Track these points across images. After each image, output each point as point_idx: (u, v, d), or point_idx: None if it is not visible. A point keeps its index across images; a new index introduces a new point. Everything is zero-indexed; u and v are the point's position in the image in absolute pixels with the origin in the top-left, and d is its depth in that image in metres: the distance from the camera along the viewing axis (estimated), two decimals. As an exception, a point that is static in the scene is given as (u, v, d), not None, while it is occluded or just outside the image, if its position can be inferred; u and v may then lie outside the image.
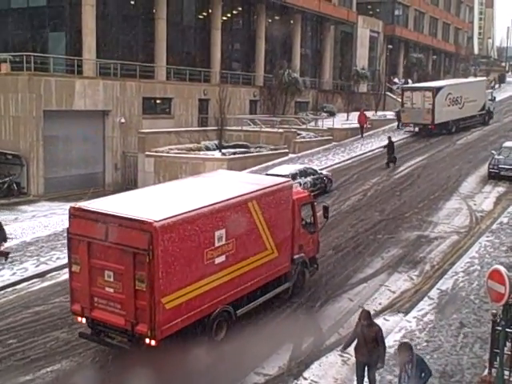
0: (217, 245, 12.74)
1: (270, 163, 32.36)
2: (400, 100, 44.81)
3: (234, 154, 33.11)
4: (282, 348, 13.24)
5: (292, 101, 46.99)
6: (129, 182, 33.88)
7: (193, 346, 12.05)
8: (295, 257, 15.64)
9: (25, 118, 30.27)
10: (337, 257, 19.00)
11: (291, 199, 15.31)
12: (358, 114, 43.46)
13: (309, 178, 26.09)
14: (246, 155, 33.54)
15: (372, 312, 14.75)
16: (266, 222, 14.20)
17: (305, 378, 12.03)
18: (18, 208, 28.39)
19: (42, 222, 24.24)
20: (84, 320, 12.52)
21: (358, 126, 43.48)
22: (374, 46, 63.80)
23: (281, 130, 37.88)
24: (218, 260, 12.81)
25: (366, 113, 43.85)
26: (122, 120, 34.28)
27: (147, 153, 32.69)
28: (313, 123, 44.35)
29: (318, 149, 37.55)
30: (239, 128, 38.08)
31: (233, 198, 13.37)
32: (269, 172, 26.53)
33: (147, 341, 11.51)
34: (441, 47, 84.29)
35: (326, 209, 17.33)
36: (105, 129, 34.25)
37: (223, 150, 33.54)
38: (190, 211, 12.13)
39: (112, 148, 34.40)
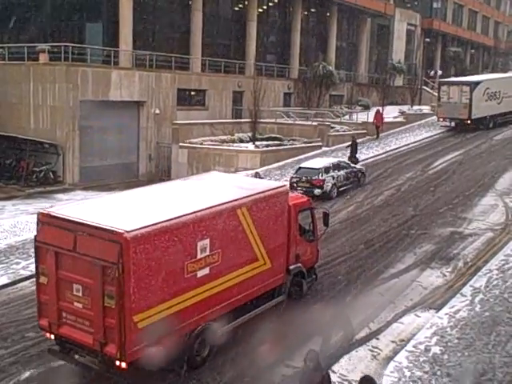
0: (199, 256, 11.63)
1: (302, 156, 32.29)
2: (436, 94, 44.18)
3: (267, 146, 33.09)
4: (311, 341, 13.20)
5: (326, 94, 46.75)
6: (162, 173, 34.17)
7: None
8: (291, 267, 14.57)
9: (62, 107, 30.72)
10: (368, 251, 18.86)
11: (287, 205, 14.18)
12: (381, 111, 40.75)
13: (342, 172, 25.96)
14: (279, 148, 33.49)
15: (403, 308, 14.73)
16: (258, 231, 13.10)
17: (334, 372, 11.98)
18: (53, 196, 28.89)
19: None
20: (52, 336, 11.45)
21: (392, 120, 43.03)
22: (411, 40, 62.98)
23: (314, 123, 37.73)
24: (200, 273, 11.70)
25: (383, 112, 40.95)
26: (157, 111, 34.54)
27: (181, 144, 32.91)
28: (347, 117, 44.04)
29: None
30: (273, 120, 38.02)
31: (219, 204, 12.21)
32: (301, 165, 26.53)
33: (117, 363, 10.46)
34: (479, 41, 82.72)
35: (326, 215, 16.15)
36: (139, 119, 34.55)
37: (256, 143, 33.55)
38: (168, 220, 10.99)
39: (146, 138, 34.71)
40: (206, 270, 11.84)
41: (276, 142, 34.53)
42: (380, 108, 42.02)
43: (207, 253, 11.79)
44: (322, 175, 24.89)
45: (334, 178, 25.27)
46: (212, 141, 33.63)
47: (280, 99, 44.18)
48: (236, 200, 12.67)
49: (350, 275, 16.91)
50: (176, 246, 11.06)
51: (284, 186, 14.82)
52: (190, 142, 32.93)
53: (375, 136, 38.75)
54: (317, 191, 24.61)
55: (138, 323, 10.46)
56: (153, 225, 10.68)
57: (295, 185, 25.10)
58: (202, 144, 32.77)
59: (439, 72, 62.47)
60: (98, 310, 10.49)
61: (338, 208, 23.88)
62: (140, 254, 10.36)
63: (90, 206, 12.45)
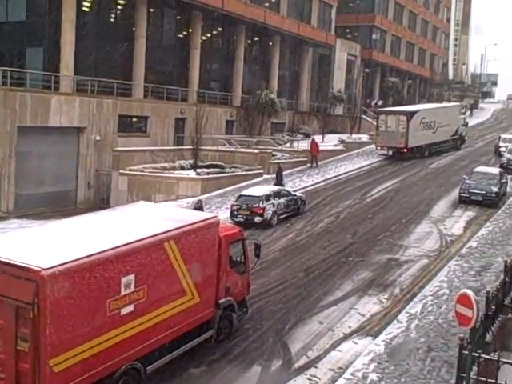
0: (123, 293, 11.07)
1: (244, 184, 32.43)
2: (375, 123, 45.36)
3: (209, 173, 33.12)
4: (249, 371, 13.21)
5: (268, 122, 47.31)
6: (102, 201, 33.64)
7: None
8: (221, 301, 14.16)
9: (-2, 133, 29.98)
10: (308, 279, 19.03)
11: (217, 237, 13.78)
12: (318, 139, 41.36)
13: (282, 200, 26.20)
14: (220, 175, 33.55)
15: (341, 335, 14.92)
16: (186, 265, 12.68)
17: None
18: (-14, 225, 28.00)
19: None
20: None
21: (332, 148, 43.86)
22: (351, 69, 64.60)
23: (256, 151, 38.04)
24: (124, 310, 11.14)
25: (318, 142, 41.45)
26: (97, 137, 34.10)
27: (121, 171, 32.49)
28: (288, 144, 44.64)
29: (292, 170, 37.70)
30: (215, 148, 38.12)
31: (145, 238, 11.72)
32: (242, 193, 26.64)
33: None
34: (416, 72, 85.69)
35: (257, 246, 16.03)
36: (79, 146, 33.98)
37: (198, 170, 33.54)
38: (89, 255, 10.42)
39: (85, 166, 34.15)
40: (131, 307, 11.29)
41: (217, 170, 34.59)
42: (315, 137, 42.67)
43: (132, 289, 11.27)
44: (262, 203, 25.03)
45: (274, 205, 25.46)
46: (153, 168, 33.42)
47: (222, 126, 44.38)
48: (163, 233, 12.20)
49: (289, 303, 17.00)
50: (98, 283, 10.49)
51: (214, 217, 14.33)
52: (130, 170, 32.58)
53: (314, 165, 38.94)
54: (257, 219, 24.75)
55: (54, 367, 9.83)
56: (72, 261, 10.08)
57: (236, 212, 25.18)
58: (142, 171, 32.50)
59: (380, 102, 64.19)
60: (9, 354, 9.80)
61: (278, 236, 24.06)
62: (58, 293, 9.73)
63: (6, 239, 11.76)
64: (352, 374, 12.72)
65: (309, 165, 39.06)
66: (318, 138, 47.34)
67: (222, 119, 44.37)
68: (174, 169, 34.06)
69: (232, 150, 38.43)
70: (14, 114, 30.01)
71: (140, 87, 38.53)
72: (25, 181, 30.99)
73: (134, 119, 38.06)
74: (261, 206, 24.91)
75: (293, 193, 28.11)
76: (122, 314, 11.12)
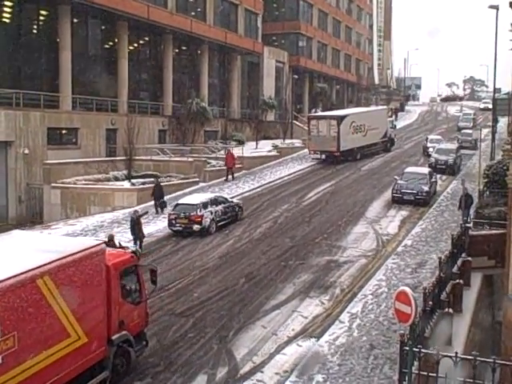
0: None
1: (180, 192, 32.22)
2: (307, 128, 45.97)
3: (144, 183, 32.69)
4: (196, 379, 13.09)
5: (201, 130, 47.16)
6: (34, 215, 32.67)
7: None
8: (114, 337, 12.54)
9: None
10: (249, 284, 19.06)
11: (104, 266, 12.21)
12: (228, 153, 38.20)
13: (220, 207, 26.16)
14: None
15: (286, 338, 14.98)
16: (67, 302, 11.06)
17: (220, 409, 11.91)
18: None
19: None
20: None
21: (266, 154, 44.15)
22: (280, 76, 65.28)
23: (190, 159, 37.85)
24: None
25: (233, 152, 39.10)
26: (26, 151, 33.08)
27: (53, 184, 31.63)
28: (222, 152, 44.59)
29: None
30: (148, 158, 37.69)
31: (11, 277, 9.98)
32: (179, 201, 26.45)
33: None
34: (343, 77, 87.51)
35: (153, 272, 14.18)
36: (7, 160, 32.87)
37: (132, 180, 33.05)
38: None
39: (15, 180, 33.06)
40: None
41: (152, 179, 34.14)
42: (230, 148, 42.29)
43: None
44: (200, 211, 24.91)
45: (212, 213, 25.39)
46: (86, 180, 32.68)
47: (155, 136, 43.93)
48: (35, 268, 10.46)
49: (232, 310, 16.96)
50: None
51: (99, 244, 12.59)
52: (62, 182, 31.74)
53: (229, 177, 36.84)
54: (196, 227, 24.62)
55: None
56: None
57: (174, 221, 24.97)
58: (75, 183, 31.74)
59: (319, 110, 65.19)
60: None
61: (218, 243, 23.99)
62: None
63: None
64: (297, 377, 12.81)
65: (224, 178, 37.00)
66: (251, 145, 47.72)
67: (155, 129, 43.93)
68: (108, 180, 33.41)
69: (166, 159, 38.11)
70: None
71: (68, 99, 37.64)
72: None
73: (64, 131, 37.14)
74: (198, 213, 24.79)
75: (230, 199, 28.12)
76: None
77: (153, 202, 29.24)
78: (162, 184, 30.35)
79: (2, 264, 10.55)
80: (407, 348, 10.25)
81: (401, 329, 11.00)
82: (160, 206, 28.82)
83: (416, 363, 10.44)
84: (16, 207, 33.04)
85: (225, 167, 37.80)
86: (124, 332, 12.86)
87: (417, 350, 10.27)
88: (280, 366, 13.70)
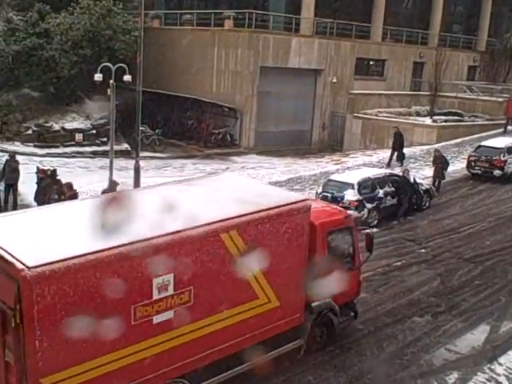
0: (156, 297, 8.65)
1: (483, 134, 30.40)
2: None
3: (446, 121, 31.69)
4: (477, 328, 12.64)
5: (516, 68, 43.49)
6: (335, 142, 34.14)
7: None
8: (313, 304, 11.19)
9: (242, 72, 31.74)
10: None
11: (307, 225, 10.55)
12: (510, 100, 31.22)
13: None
14: (458, 124, 31.92)
15: None
16: (256, 261, 9.91)
17: (500, 364, 11.37)
18: (229, 158, 30.11)
19: (250, 173, 25.11)
20: None
21: None
22: None
23: (500, 100, 35.31)
24: (158, 318, 8.76)
25: None
26: (334, 80, 34.39)
27: (355, 114, 32.57)
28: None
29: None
30: (454, 95, 36.19)
31: (192, 228, 8.89)
32: (482, 143, 25.06)
33: None
34: None
35: (369, 238, 12.10)
36: (316, 87, 34.64)
37: (434, 117, 32.24)
38: (98, 251, 7.89)
39: (321, 107, 34.76)
40: (169, 314, 8.89)
41: (455, 118, 32.95)
42: None
43: (170, 292, 8.82)
44: (503, 155, 23.27)
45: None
46: (388, 113, 32.86)
47: (463, 72, 41.89)
48: (222, 221, 9.30)
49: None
50: (115, 284, 8.10)
51: (303, 200, 10.93)
52: (364, 113, 32.47)
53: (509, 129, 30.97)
54: (496, 172, 23.16)
55: None
56: (72, 258, 7.62)
57: (473, 164, 23.84)
58: (377, 115, 32.18)
59: None
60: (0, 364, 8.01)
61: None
62: (51, 299, 7.42)
63: (16, 220, 9.28)
64: None
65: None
66: None
67: (464, 64, 41.83)
68: (409, 114, 33.17)
69: (473, 97, 36.15)
70: (257, 54, 31.44)
71: (378, 29, 37.74)
72: (264, 119, 32.63)
73: (371, 62, 37.59)
74: (502, 158, 23.22)
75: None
76: (155, 322, 8.80)
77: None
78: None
79: (190, 212, 9.18)
80: None
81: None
82: (398, 158, 25.66)
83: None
84: (319, 133, 34.90)
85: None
86: (327, 300, 11.44)
87: None
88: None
